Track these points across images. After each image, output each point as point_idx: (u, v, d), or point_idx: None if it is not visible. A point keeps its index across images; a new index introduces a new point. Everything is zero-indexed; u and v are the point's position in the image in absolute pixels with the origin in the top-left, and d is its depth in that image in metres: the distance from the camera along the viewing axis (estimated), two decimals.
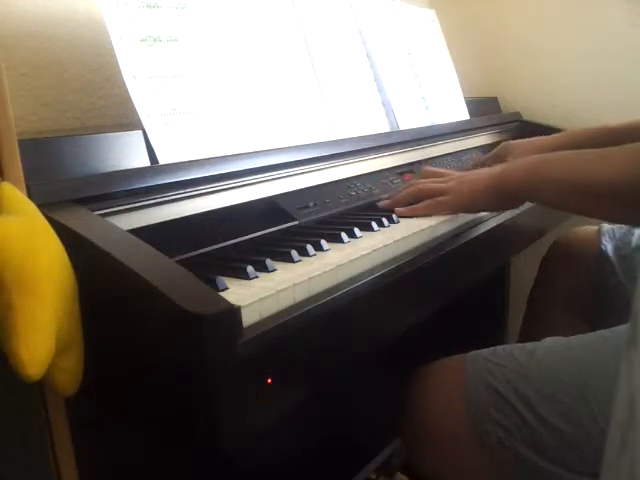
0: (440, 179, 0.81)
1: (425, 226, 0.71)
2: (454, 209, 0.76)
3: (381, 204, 0.80)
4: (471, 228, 0.76)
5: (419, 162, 0.99)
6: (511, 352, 0.66)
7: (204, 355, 0.41)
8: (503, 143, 1.00)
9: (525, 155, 0.90)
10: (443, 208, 0.76)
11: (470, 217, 0.79)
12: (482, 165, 0.97)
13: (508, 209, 0.80)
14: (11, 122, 0.47)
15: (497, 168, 0.75)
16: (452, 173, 0.84)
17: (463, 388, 0.65)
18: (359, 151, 0.86)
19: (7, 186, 0.46)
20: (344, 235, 0.65)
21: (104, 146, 0.59)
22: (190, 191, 0.61)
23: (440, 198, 0.76)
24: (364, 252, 0.60)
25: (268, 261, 0.55)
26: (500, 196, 0.73)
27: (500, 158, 0.95)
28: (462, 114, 1.25)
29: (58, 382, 0.47)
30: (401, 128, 1.01)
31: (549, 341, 0.67)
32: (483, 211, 0.80)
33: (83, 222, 0.49)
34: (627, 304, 0.41)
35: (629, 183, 0.59)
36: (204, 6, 0.72)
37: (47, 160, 0.55)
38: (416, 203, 0.77)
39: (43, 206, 0.48)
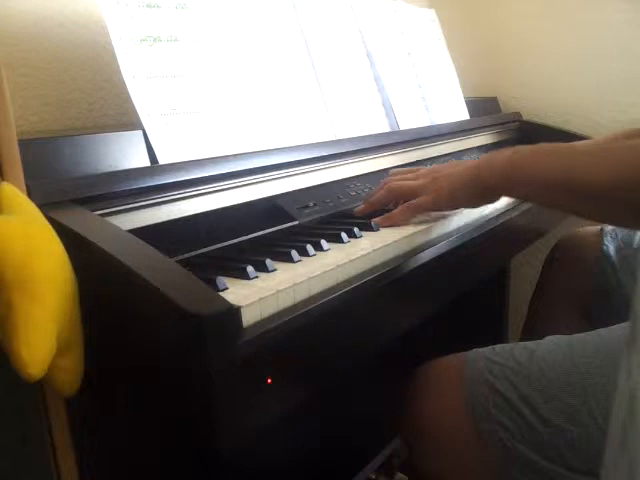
0: (411, 175, 0.76)
1: (424, 226, 0.71)
2: (430, 209, 0.72)
3: (357, 210, 0.76)
4: (471, 228, 0.76)
5: (419, 162, 0.99)
6: (512, 351, 0.66)
7: (204, 355, 0.41)
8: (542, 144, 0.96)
9: None
10: (421, 209, 0.71)
11: (471, 217, 0.79)
12: None
13: (487, 204, 0.75)
14: (11, 122, 0.47)
15: (473, 162, 0.70)
16: (420, 169, 0.79)
17: (464, 387, 0.65)
18: (359, 151, 0.86)
19: (7, 186, 0.46)
20: (344, 235, 0.65)
21: (104, 146, 0.59)
22: (190, 191, 0.61)
23: (414, 200, 0.71)
24: (364, 252, 0.60)
25: (268, 261, 0.55)
26: (479, 190, 0.68)
27: None
28: (462, 114, 1.25)
29: (58, 382, 0.47)
30: (401, 128, 1.01)
31: (550, 340, 0.67)
32: (463, 207, 0.75)
33: (83, 222, 0.49)
34: (628, 304, 0.41)
35: (627, 182, 0.55)
36: (204, 6, 0.72)
37: (47, 160, 0.55)
38: (391, 205, 0.74)
39: (43, 206, 0.48)
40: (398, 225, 0.71)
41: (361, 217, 0.74)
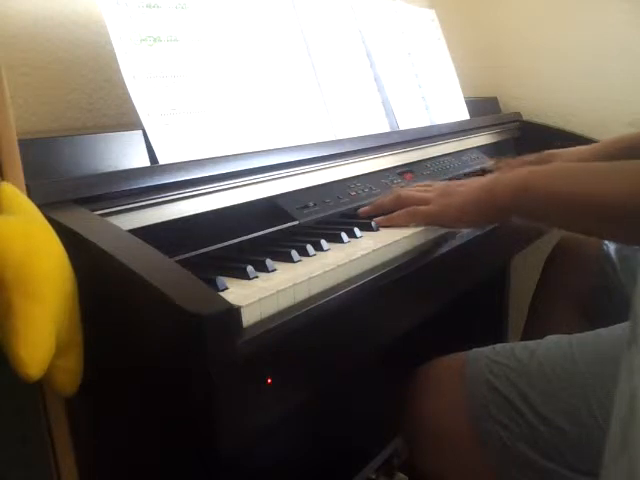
0: (423, 188, 0.75)
1: (425, 227, 0.71)
2: (436, 221, 0.70)
3: (361, 211, 0.75)
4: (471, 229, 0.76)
5: (419, 162, 0.99)
6: (512, 350, 0.66)
7: (204, 355, 0.41)
8: (546, 151, 0.95)
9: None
10: (424, 218, 0.70)
11: None
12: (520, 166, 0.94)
13: (495, 224, 0.75)
14: (11, 122, 0.47)
15: (484, 180, 0.68)
16: (435, 183, 0.79)
17: (464, 386, 0.65)
18: (359, 151, 0.86)
19: (7, 186, 0.46)
20: (344, 235, 0.65)
21: (104, 146, 0.59)
22: (190, 191, 0.61)
23: (422, 207, 0.70)
24: (364, 252, 0.60)
25: (268, 261, 0.55)
26: (489, 210, 0.66)
27: (543, 163, 0.93)
28: (462, 114, 1.25)
29: (58, 382, 0.47)
30: (401, 128, 1.01)
31: (550, 339, 0.67)
32: (469, 227, 0.74)
33: (83, 222, 0.49)
34: (628, 303, 0.41)
35: None
36: (204, 6, 0.72)
37: (47, 160, 0.55)
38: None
39: (43, 206, 0.48)
40: (396, 227, 0.70)
41: (362, 217, 0.74)
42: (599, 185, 0.57)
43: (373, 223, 0.70)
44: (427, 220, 0.70)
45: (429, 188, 0.75)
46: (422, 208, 0.70)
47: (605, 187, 0.56)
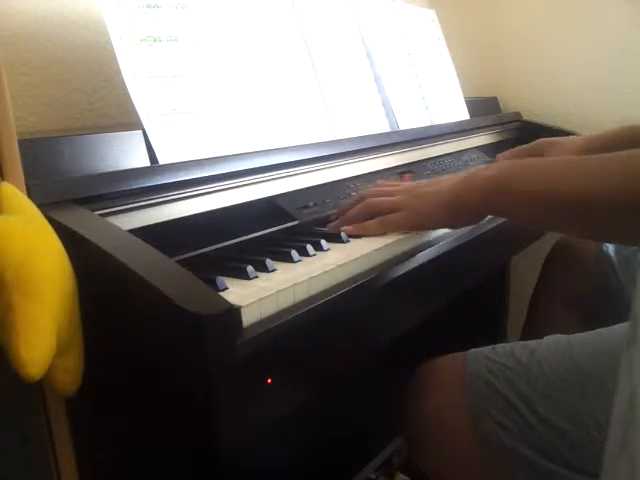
0: (391, 189, 0.72)
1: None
2: (407, 227, 0.68)
3: (330, 226, 0.71)
4: (471, 229, 0.76)
5: (419, 162, 0.99)
6: (512, 350, 0.66)
7: (204, 355, 0.41)
8: (542, 139, 0.93)
9: (565, 154, 0.84)
10: (396, 227, 0.68)
11: None
12: (512, 157, 0.94)
13: (468, 225, 0.70)
14: (11, 122, 0.47)
15: (455, 181, 0.65)
16: (401, 183, 0.75)
17: (463, 386, 0.65)
18: (359, 151, 0.86)
19: (7, 186, 0.46)
20: (344, 235, 0.65)
21: (104, 146, 0.59)
22: (190, 191, 0.61)
23: (391, 216, 0.67)
24: (364, 252, 0.60)
25: (268, 261, 0.55)
26: (459, 210, 0.64)
27: (536, 153, 0.91)
28: (462, 114, 1.25)
29: (58, 382, 0.47)
30: (401, 128, 1.01)
31: (550, 339, 0.67)
32: (441, 228, 0.72)
33: (83, 222, 0.49)
34: (628, 304, 0.41)
35: (627, 194, 0.50)
36: (204, 6, 0.72)
37: (47, 160, 0.55)
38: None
39: (43, 206, 0.48)
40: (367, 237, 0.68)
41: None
42: (576, 181, 0.54)
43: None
44: (399, 228, 0.68)
45: (396, 189, 0.71)
46: (393, 217, 0.67)
47: (587, 184, 0.53)
